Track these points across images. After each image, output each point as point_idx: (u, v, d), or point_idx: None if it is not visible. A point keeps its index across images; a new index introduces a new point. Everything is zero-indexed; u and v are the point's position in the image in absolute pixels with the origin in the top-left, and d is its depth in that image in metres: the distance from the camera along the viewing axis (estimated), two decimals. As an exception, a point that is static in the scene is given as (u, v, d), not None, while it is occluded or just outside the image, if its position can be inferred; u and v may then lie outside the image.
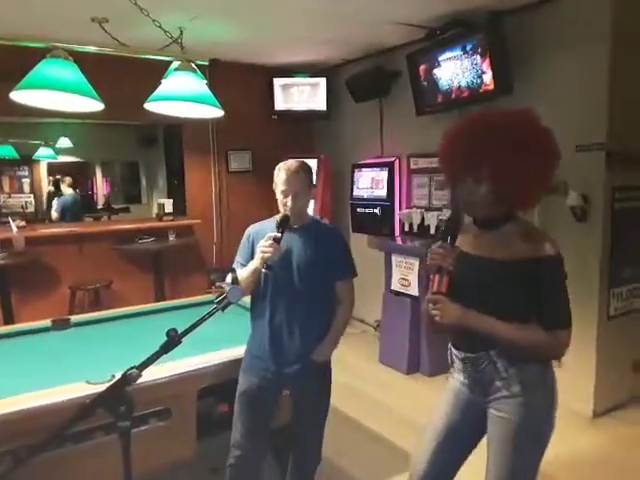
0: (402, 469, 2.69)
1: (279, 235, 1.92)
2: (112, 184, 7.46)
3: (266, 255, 1.88)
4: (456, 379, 1.69)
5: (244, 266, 2.07)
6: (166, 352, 1.30)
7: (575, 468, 2.79)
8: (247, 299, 2.21)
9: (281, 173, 2.05)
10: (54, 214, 6.23)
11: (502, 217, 1.53)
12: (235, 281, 1.54)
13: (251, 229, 2.19)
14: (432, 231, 4.27)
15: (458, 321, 1.48)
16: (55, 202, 6.44)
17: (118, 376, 1.30)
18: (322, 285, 2.08)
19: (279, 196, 2.06)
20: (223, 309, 1.46)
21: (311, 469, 2.25)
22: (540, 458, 1.57)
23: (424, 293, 1.85)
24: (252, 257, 2.03)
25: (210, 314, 1.41)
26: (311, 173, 2.12)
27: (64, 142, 6.58)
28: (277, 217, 2.06)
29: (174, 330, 1.32)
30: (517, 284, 1.46)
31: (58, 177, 6.80)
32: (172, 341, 1.30)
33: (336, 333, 2.13)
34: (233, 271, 1.63)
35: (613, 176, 3.21)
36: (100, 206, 7.25)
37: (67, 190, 6.40)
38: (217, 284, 1.65)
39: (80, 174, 7.20)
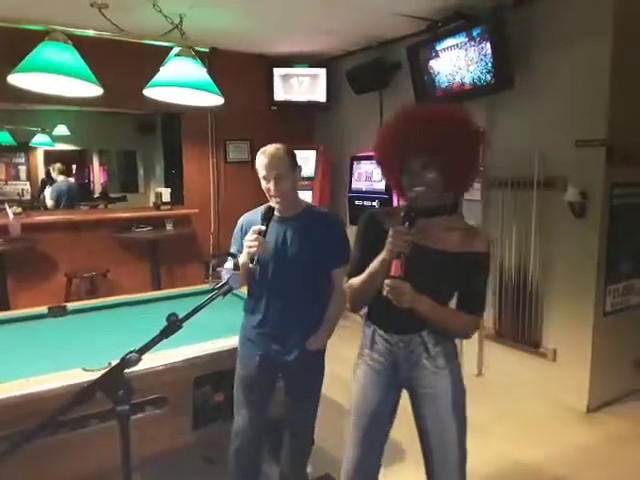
0: (395, 459, 2.70)
1: (263, 228, 1.88)
2: (109, 173, 7.43)
3: (252, 250, 1.84)
4: (375, 361, 1.75)
5: (235, 256, 2.06)
6: (166, 337, 1.29)
7: (568, 462, 2.81)
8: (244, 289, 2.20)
9: (260, 157, 1.97)
10: (49, 202, 6.14)
11: (446, 208, 1.64)
12: (236, 267, 1.53)
13: (243, 218, 2.16)
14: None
15: (414, 305, 1.54)
16: (48, 190, 6.35)
17: (115, 363, 1.29)
18: (318, 274, 2.06)
19: (262, 183, 2.00)
20: (224, 295, 1.45)
21: (304, 455, 2.27)
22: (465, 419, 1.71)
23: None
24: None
25: (211, 299, 1.40)
26: (293, 155, 2.03)
27: (61, 130, 6.54)
28: (266, 206, 2.03)
29: (174, 315, 1.31)
30: (454, 273, 1.61)
31: (52, 165, 6.71)
32: (172, 326, 1.29)
33: (330, 322, 2.12)
34: (234, 257, 1.61)
35: (612, 172, 3.21)
36: (97, 194, 7.22)
37: (58, 177, 6.25)
38: (217, 269, 1.63)
39: (77, 162, 7.17)
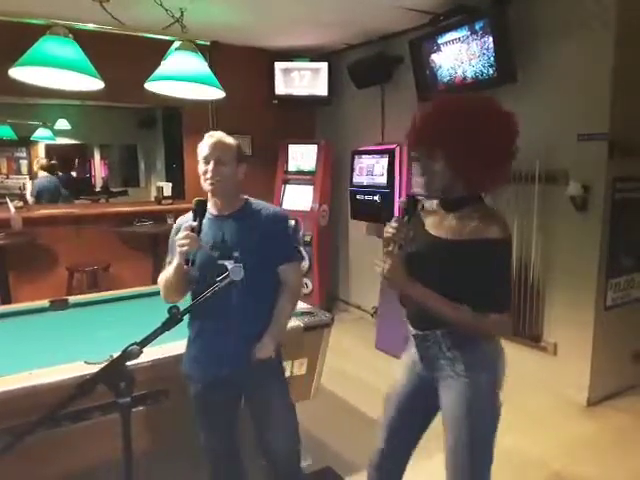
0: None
1: (194, 224, 1.69)
2: (110, 167, 7.42)
3: (183, 249, 1.65)
4: (409, 354, 1.75)
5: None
6: (168, 329, 1.29)
7: (569, 455, 2.82)
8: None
9: (206, 139, 1.84)
10: (30, 198, 5.70)
11: (463, 200, 1.57)
12: (238, 259, 1.52)
13: (179, 221, 1.94)
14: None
15: (400, 285, 1.54)
16: (29, 185, 6.08)
17: (117, 355, 1.30)
18: (263, 275, 1.85)
19: (200, 167, 1.83)
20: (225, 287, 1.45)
21: (296, 464, 2.05)
22: (491, 435, 1.60)
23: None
24: None
25: (212, 291, 1.40)
26: (241, 150, 1.92)
27: (62, 124, 6.53)
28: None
29: (176, 307, 1.31)
30: (461, 264, 1.49)
31: (37, 160, 6.54)
32: (173, 318, 1.29)
33: (278, 324, 1.89)
34: (235, 249, 1.60)
35: (614, 166, 3.20)
36: (98, 189, 7.21)
37: (41, 172, 6.04)
38: (219, 262, 1.60)
39: (78, 156, 7.16)
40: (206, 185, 1.84)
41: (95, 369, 1.41)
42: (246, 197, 1.98)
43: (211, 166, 1.80)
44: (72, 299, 2.99)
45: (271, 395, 1.92)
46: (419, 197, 1.67)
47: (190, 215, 1.83)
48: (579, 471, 2.69)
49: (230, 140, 1.88)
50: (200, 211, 1.74)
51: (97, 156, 7.35)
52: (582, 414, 3.30)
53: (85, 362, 1.94)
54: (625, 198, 3.30)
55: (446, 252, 1.54)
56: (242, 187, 1.97)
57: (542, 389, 3.53)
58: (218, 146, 1.82)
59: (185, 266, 1.68)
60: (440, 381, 1.63)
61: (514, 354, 3.65)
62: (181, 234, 1.68)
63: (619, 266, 3.38)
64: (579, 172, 3.26)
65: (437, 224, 1.61)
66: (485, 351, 1.59)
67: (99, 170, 7.36)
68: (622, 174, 3.26)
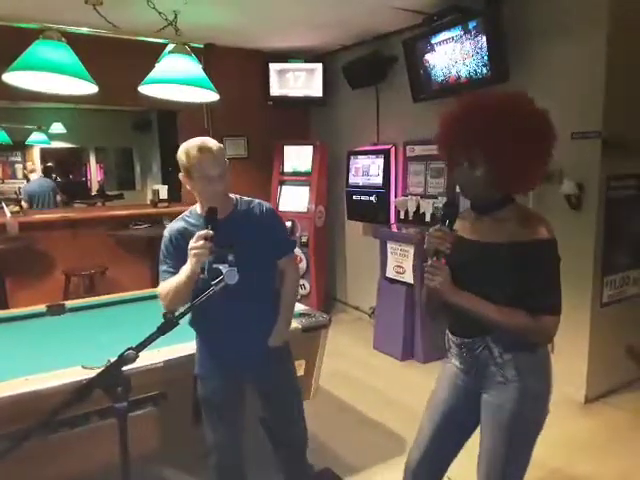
0: (396, 453, 2.71)
1: (210, 233, 1.64)
2: (106, 170, 7.42)
3: (202, 258, 1.61)
4: (453, 365, 1.70)
5: (174, 274, 1.79)
6: (163, 333, 1.30)
7: (566, 453, 2.83)
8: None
9: (203, 155, 1.76)
10: (23, 204, 5.75)
11: (499, 202, 1.52)
12: (232, 263, 1.52)
13: (168, 231, 1.92)
14: (427, 219, 4.27)
15: (448, 295, 1.49)
16: (22, 190, 6.03)
17: (113, 360, 1.30)
18: (264, 270, 1.96)
19: (201, 182, 1.78)
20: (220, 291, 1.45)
21: (304, 450, 2.22)
22: (532, 444, 1.57)
23: (419, 280, 1.86)
24: (183, 260, 1.72)
25: (207, 295, 1.40)
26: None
27: (57, 128, 6.52)
28: (195, 210, 1.89)
29: (171, 311, 1.31)
30: (510, 267, 1.45)
31: (29, 163, 6.52)
32: (169, 322, 1.29)
33: (288, 312, 2.05)
34: (231, 247, 1.57)
35: (608, 164, 3.21)
36: (94, 192, 7.21)
37: (32, 176, 6.00)
38: (214, 266, 1.58)
39: (74, 160, 7.16)
40: (210, 199, 1.80)
41: (93, 374, 1.41)
42: (232, 196, 1.98)
43: (216, 185, 1.79)
44: (69, 304, 2.99)
45: (282, 379, 2.06)
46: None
47: (177, 222, 1.90)
48: (576, 469, 2.70)
49: (223, 150, 1.85)
50: (214, 219, 1.70)
51: (93, 160, 7.35)
52: (580, 412, 3.31)
53: (82, 367, 1.94)
54: (619, 196, 3.32)
55: (493, 257, 1.49)
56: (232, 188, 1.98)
57: (540, 387, 3.54)
58: (219, 161, 1.80)
59: (201, 275, 1.64)
60: (487, 389, 1.57)
61: (511, 352, 3.70)
62: (197, 243, 1.63)
63: (614, 263, 3.40)
64: (573, 171, 3.27)
65: (471, 228, 1.57)
66: (538, 356, 1.54)
67: (95, 174, 7.35)
68: (616, 172, 3.27)
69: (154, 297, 3.12)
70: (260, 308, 1.96)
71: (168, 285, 1.79)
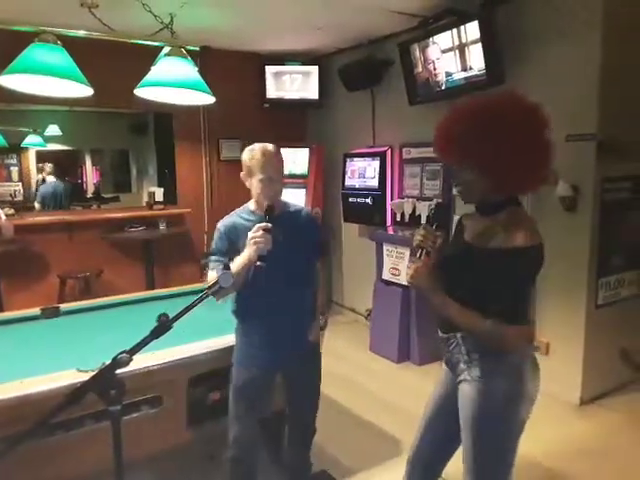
0: (392, 455, 2.72)
1: (269, 225, 1.84)
2: (102, 172, 7.39)
3: (261, 246, 1.80)
4: (444, 359, 1.76)
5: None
6: (157, 337, 1.30)
7: (561, 455, 2.84)
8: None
9: (258, 156, 1.97)
10: (36, 205, 6.03)
11: (498, 204, 1.52)
12: (227, 267, 1.53)
13: (221, 224, 2.09)
14: (423, 221, 4.28)
15: (422, 291, 1.55)
16: (38, 191, 6.27)
17: (107, 363, 1.30)
18: (306, 269, 2.15)
19: (257, 183, 1.97)
20: (214, 295, 1.45)
21: (309, 444, 2.38)
22: (505, 446, 1.56)
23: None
24: (233, 252, 1.94)
25: (201, 299, 1.40)
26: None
27: (53, 130, 6.50)
28: (248, 207, 2.09)
29: (165, 315, 1.31)
30: (485, 271, 1.46)
31: (40, 166, 6.64)
32: (163, 326, 1.29)
33: (319, 310, 2.25)
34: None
35: (603, 166, 3.23)
36: (90, 195, 7.18)
37: (49, 178, 6.22)
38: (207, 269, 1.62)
39: (69, 162, 7.13)
40: (268, 198, 1.98)
41: (88, 377, 1.41)
42: (283, 200, 2.16)
43: (268, 186, 1.97)
44: (64, 306, 2.98)
45: (311, 372, 2.22)
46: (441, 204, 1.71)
47: (230, 218, 2.09)
48: (571, 470, 2.71)
49: (280, 154, 2.04)
50: (272, 214, 1.91)
51: (88, 162, 7.32)
52: (574, 413, 3.32)
53: (77, 370, 1.93)
54: (614, 198, 3.34)
55: (472, 258, 1.51)
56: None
57: (535, 389, 3.55)
58: (274, 164, 1.99)
59: (259, 263, 1.81)
60: (460, 385, 1.62)
61: (507, 354, 3.71)
62: (257, 233, 1.82)
63: (609, 265, 3.41)
64: (568, 173, 3.28)
65: (472, 229, 1.61)
66: (508, 360, 1.52)
67: (91, 176, 7.33)
68: (610, 174, 3.29)
69: (149, 300, 3.15)
70: (302, 304, 2.13)
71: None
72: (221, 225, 2.08)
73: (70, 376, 1.91)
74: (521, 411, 1.54)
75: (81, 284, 4.61)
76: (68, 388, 1.80)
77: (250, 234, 1.84)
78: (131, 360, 1.26)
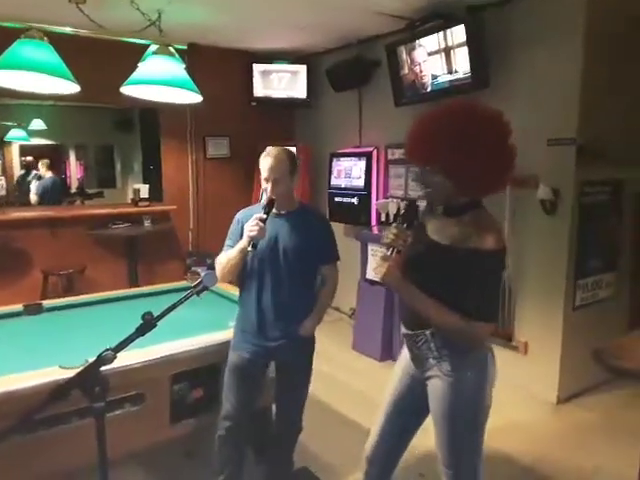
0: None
1: (264, 216, 2.00)
2: (86, 168, 7.33)
3: (252, 234, 1.96)
4: (405, 354, 1.81)
5: (232, 247, 2.17)
6: (141, 335, 1.31)
7: (538, 452, 2.90)
8: (226, 287, 2.22)
9: (264, 159, 2.12)
10: (33, 197, 6.12)
11: (462, 206, 1.60)
12: (211, 266, 1.55)
13: (240, 214, 2.27)
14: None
15: (393, 285, 1.62)
16: (34, 185, 6.36)
17: (92, 360, 1.31)
18: (306, 269, 2.21)
19: (263, 182, 2.14)
20: (198, 294, 1.47)
21: (293, 442, 2.41)
22: (476, 435, 1.67)
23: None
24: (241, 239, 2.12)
25: (186, 298, 1.42)
26: (294, 161, 2.18)
27: (37, 124, 6.44)
28: (263, 201, 2.18)
29: (149, 313, 1.33)
30: (454, 270, 1.54)
31: (29, 159, 6.66)
32: (147, 324, 1.31)
33: (321, 310, 2.30)
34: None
35: (582, 170, 3.30)
36: (73, 190, 7.13)
37: (47, 173, 6.31)
38: (192, 269, 1.65)
39: (53, 157, 7.07)
40: (273, 197, 2.11)
41: (70, 374, 1.42)
42: (300, 201, 2.29)
43: (269, 187, 2.10)
44: (47, 303, 2.96)
45: (299, 365, 2.28)
46: (418, 203, 1.76)
47: (249, 210, 2.24)
48: (548, 468, 2.77)
49: (284, 157, 2.13)
50: (270, 207, 2.06)
51: (72, 157, 7.26)
52: (552, 412, 3.39)
53: (60, 367, 1.93)
54: (592, 201, 3.41)
55: (442, 257, 1.58)
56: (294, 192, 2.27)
57: (513, 387, 3.60)
58: (274, 167, 2.09)
59: (249, 248, 1.98)
60: (429, 380, 1.68)
61: (486, 354, 3.77)
62: (252, 222, 1.99)
63: (587, 267, 3.49)
64: (549, 176, 3.35)
65: (438, 229, 1.65)
66: (475, 353, 1.64)
67: (75, 171, 7.27)
68: (590, 178, 3.37)
69: (133, 297, 3.14)
70: (296, 301, 2.18)
71: (226, 256, 2.15)
72: (239, 213, 2.27)
73: (53, 373, 1.91)
74: (487, 397, 1.65)
75: (64, 281, 4.57)
76: (51, 385, 1.80)
77: (247, 223, 2.03)
78: (115, 357, 1.27)
